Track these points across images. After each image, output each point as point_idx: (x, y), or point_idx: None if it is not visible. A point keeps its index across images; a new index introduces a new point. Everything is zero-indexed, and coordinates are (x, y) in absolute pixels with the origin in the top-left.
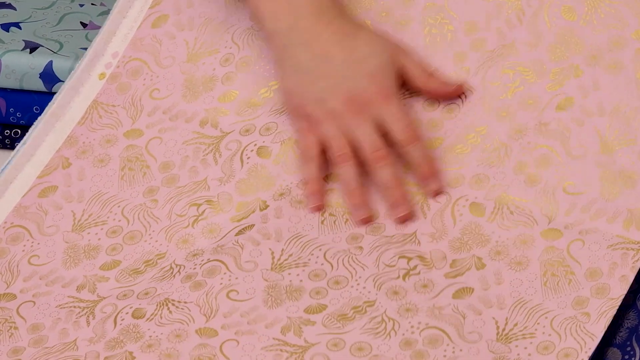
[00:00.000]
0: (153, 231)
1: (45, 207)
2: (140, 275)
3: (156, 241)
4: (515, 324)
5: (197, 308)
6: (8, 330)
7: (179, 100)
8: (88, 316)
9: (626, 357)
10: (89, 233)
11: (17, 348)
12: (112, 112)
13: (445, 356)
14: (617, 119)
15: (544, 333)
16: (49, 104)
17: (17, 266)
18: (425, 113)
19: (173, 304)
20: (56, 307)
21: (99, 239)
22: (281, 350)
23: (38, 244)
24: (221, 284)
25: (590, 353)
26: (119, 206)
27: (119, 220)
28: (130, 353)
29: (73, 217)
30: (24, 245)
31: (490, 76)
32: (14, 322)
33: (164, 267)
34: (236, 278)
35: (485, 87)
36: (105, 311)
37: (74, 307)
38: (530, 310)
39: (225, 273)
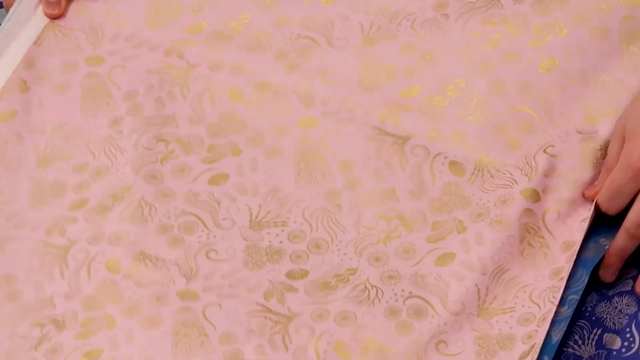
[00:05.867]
0: (119, 163)
1: (4, 134)
2: (109, 212)
3: (122, 173)
4: (495, 297)
5: (177, 268)
6: None
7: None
8: (61, 265)
9: (625, 343)
10: (53, 169)
11: None
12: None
13: (430, 330)
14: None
15: (523, 306)
16: None
17: None
18: (402, 59)
19: (150, 260)
20: (27, 254)
21: (65, 176)
22: (265, 317)
23: (1, 177)
24: (199, 242)
25: (557, 300)
26: (83, 139)
27: (85, 155)
28: (112, 317)
29: (36, 151)
30: None
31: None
32: None
33: (132, 203)
34: (214, 236)
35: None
36: (78, 259)
37: (46, 253)
38: (508, 282)
39: (202, 230)
